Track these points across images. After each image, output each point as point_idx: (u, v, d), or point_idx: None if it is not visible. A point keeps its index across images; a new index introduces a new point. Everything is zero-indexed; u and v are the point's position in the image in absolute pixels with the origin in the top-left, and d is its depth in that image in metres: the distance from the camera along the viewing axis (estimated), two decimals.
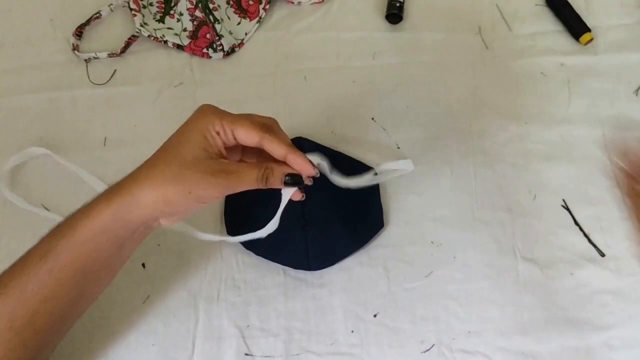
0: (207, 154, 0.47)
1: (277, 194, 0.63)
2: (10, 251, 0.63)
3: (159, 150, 0.49)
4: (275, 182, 0.49)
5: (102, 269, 0.49)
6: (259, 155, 0.53)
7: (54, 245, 0.46)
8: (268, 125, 0.50)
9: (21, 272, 0.47)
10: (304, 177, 0.50)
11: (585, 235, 0.62)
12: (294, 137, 0.66)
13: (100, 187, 0.65)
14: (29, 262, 0.47)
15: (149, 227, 0.49)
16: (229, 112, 0.49)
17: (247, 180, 0.48)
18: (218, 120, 0.48)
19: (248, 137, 0.48)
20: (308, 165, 0.49)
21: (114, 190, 0.47)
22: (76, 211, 0.48)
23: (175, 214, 0.49)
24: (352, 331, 0.59)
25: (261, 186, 0.49)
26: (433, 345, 0.58)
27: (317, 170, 0.50)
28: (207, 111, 0.49)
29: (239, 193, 0.65)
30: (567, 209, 0.64)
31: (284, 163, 0.49)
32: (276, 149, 0.49)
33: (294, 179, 0.49)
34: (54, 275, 0.46)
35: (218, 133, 0.48)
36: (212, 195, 0.47)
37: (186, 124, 0.49)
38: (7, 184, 0.67)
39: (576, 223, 0.63)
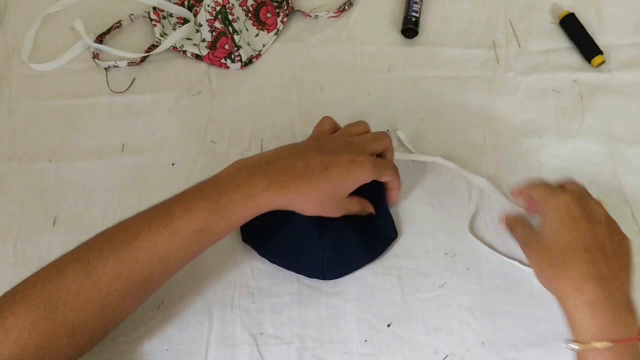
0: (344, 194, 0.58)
1: None
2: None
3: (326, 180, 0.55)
4: None
5: (163, 275, 0.54)
6: None
7: (154, 232, 0.51)
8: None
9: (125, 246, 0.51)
10: None
11: None
12: None
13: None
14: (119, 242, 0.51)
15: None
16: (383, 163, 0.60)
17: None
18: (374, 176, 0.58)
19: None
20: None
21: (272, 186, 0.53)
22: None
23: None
24: (366, 340, 0.59)
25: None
26: (446, 356, 0.58)
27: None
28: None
29: None
30: None
31: None
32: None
33: None
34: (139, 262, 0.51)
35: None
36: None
37: (349, 171, 0.56)
38: None
39: None
